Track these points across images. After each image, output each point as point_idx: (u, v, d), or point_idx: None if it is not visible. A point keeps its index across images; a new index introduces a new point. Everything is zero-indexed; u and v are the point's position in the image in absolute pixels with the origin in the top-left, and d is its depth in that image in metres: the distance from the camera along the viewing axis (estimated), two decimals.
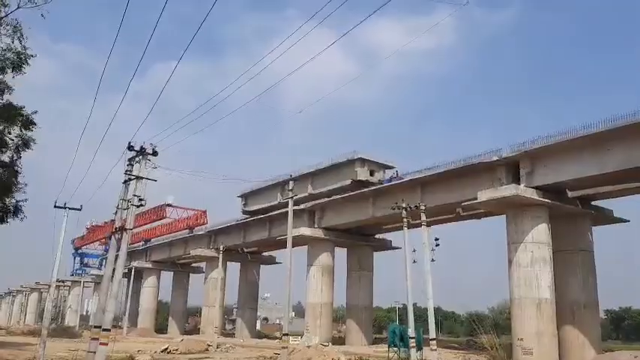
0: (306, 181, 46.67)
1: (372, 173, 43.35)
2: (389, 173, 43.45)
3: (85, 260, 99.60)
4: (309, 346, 33.24)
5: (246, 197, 56.24)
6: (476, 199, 32.90)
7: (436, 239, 23.90)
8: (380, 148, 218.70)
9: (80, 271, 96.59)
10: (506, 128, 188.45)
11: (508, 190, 31.32)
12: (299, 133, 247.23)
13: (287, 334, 22.51)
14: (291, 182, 24.20)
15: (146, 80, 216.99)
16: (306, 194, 45.40)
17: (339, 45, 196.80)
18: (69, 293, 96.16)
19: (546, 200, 31.44)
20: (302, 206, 46.44)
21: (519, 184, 31.71)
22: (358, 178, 42.96)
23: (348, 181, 43.46)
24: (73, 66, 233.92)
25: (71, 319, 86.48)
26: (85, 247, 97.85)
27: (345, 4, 10.20)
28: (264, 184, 51.68)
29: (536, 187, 31.43)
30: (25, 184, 17.48)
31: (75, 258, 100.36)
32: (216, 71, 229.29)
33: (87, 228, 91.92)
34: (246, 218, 56.05)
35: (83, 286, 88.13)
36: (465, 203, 34.57)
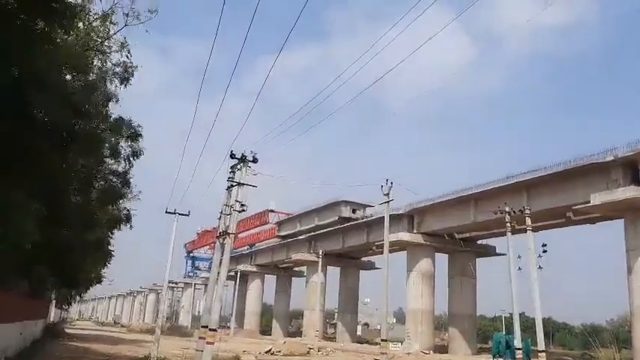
0: (312, 215, 63.22)
1: (354, 211, 56.65)
2: (369, 211, 54.56)
3: (197, 263, 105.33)
4: (409, 353, 32.80)
5: (279, 224, 72.12)
6: (588, 202, 30.72)
7: (543, 245, 22.59)
8: (490, 152, 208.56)
9: (192, 274, 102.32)
10: None
11: (626, 193, 28.95)
12: (408, 132, 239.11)
13: (386, 340, 22.32)
14: (386, 187, 23.99)
15: (258, 75, 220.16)
16: (313, 225, 62.25)
17: (460, 30, 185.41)
18: (182, 294, 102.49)
19: None
20: (401, 211, 46.15)
21: (639, 186, 29.16)
22: (342, 215, 57.18)
23: (336, 217, 57.77)
24: (187, 64, 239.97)
25: (184, 319, 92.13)
26: (195, 250, 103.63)
27: None
28: (295, 214, 68.04)
29: None
30: (140, 192, 18.96)
31: (187, 261, 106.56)
32: (325, 61, 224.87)
33: (197, 233, 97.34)
34: (280, 241, 71.39)
35: (194, 288, 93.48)
36: (577, 207, 32.38)
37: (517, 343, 22.22)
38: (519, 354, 22.10)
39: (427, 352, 38.65)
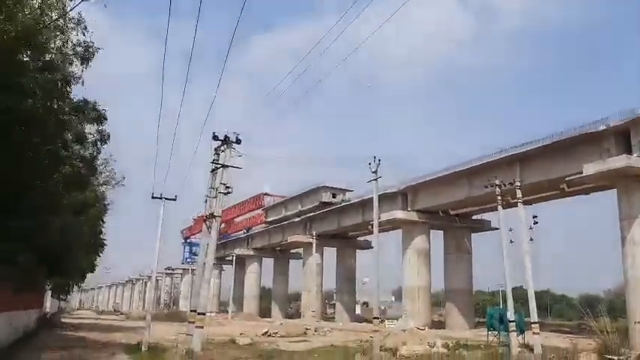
0: (296, 201, 66.41)
1: (334, 196, 59.96)
2: (348, 195, 58.59)
3: (194, 249, 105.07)
4: (404, 330, 32.83)
5: (267, 210, 75.27)
6: (581, 173, 30.51)
7: (534, 217, 22.37)
8: (490, 126, 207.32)
9: (189, 260, 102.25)
10: None
11: (618, 162, 28.72)
12: (404, 107, 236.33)
13: (377, 318, 22.30)
14: (375, 164, 23.61)
15: (250, 55, 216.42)
16: (297, 211, 65.26)
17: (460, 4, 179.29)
18: (181, 280, 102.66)
19: None
20: (394, 189, 45.99)
21: (631, 154, 28.93)
22: (323, 200, 60.13)
23: (317, 203, 60.83)
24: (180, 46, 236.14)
25: (184, 305, 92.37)
26: (193, 236, 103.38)
27: None
28: (281, 200, 71.87)
29: None
30: (123, 177, 18.59)
31: (185, 247, 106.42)
32: (319, 39, 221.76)
33: (194, 219, 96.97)
34: (267, 226, 74.44)
35: (192, 274, 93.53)
36: (570, 178, 32.17)
37: (510, 315, 22.16)
38: (513, 327, 22.03)
39: (422, 328, 38.63)
